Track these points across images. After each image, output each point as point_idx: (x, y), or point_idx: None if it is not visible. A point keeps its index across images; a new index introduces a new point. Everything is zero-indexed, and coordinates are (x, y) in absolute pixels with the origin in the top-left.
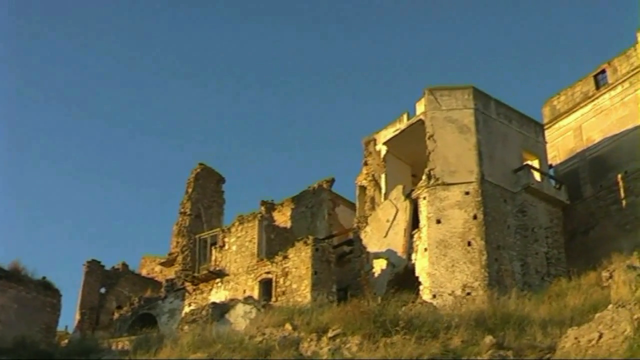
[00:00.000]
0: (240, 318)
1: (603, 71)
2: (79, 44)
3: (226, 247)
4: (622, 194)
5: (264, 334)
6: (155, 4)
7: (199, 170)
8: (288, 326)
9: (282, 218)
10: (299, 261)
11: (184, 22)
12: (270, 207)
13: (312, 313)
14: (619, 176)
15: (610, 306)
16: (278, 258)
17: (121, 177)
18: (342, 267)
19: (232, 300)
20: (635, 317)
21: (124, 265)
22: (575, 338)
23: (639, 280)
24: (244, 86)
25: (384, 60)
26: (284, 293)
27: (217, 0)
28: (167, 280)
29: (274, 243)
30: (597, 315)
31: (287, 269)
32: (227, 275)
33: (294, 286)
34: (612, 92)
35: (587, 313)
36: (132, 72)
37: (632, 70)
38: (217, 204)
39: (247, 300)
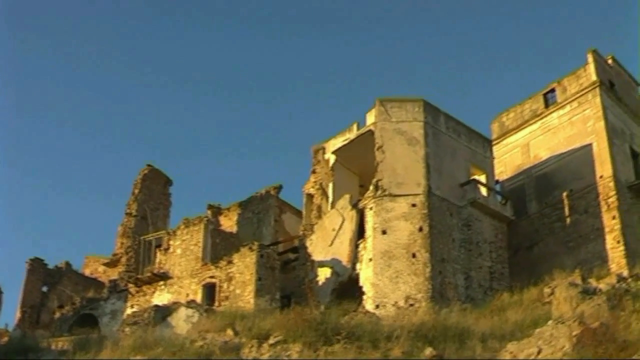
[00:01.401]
0: (182, 322)
1: (553, 90)
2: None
3: (171, 250)
4: (567, 212)
5: (205, 338)
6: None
7: (146, 171)
8: (229, 331)
9: (229, 223)
10: (243, 267)
11: (132, 23)
12: (216, 211)
13: (254, 319)
14: (564, 194)
15: (550, 322)
16: (223, 263)
17: (67, 175)
18: (287, 274)
19: (174, 303)
20: (574, 333)
21: (67, 264)
22: (514, 353)
23: (580, 297)
24: (194, 89)
25: (336, 69)
26: (227, 298)
27: (164, 5)
28: (110, 281)
29: (219, 247)
30: (537, 330)
31: (231, 274)
32: (171, 278)
33: (238, 291)
34: (561, 111)
35: (528, 328)
36: (78, 71)
37: (581, 90)
38: (163, 206)
39: (190, 304)
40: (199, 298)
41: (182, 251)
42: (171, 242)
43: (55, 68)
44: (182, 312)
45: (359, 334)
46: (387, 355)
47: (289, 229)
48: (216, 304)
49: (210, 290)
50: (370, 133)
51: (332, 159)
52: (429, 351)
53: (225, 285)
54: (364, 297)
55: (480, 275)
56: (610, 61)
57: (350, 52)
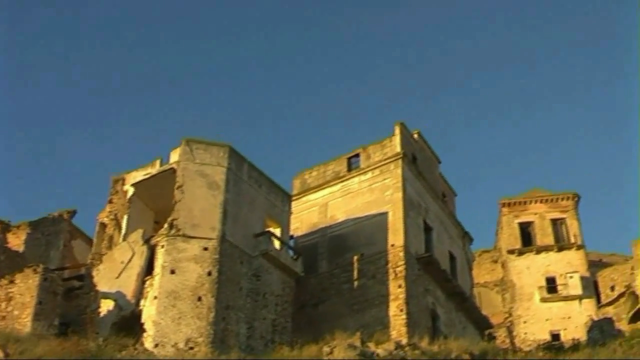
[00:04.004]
0: None
1: (357, 155)
2: None
3: None
4: (355, 275)
5: None
6: None
7: None
8: (0, 353)
9: (16, 241)
10: (25, 288)
11: None
12: (5, 227)
13: (29, 343)
14: (355, 258)
15: None
16: (4, 281)
17: None
18: (69, 302)
19: None
20: None
21: None
22: None
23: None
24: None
25: (148, 106)
26: (4, 318)
27: None
28: None
29: (3, 265)
30: None
31: (11, 294)
32: None
33: (16, 312)
34: (362, 177)
35: None
36: None
37: (385, 159)
38: None
39: None
40: None
41: None
42: None
43: None
44: None
45: None
46: None
47: (78, 256)
48: None
49: None
50: (172, 171)
51: (130, 191)
52: None
53: (3, 304)
54: (145, 334)
55: (263, 327)
56: (415, 136)
57: (166, 92)
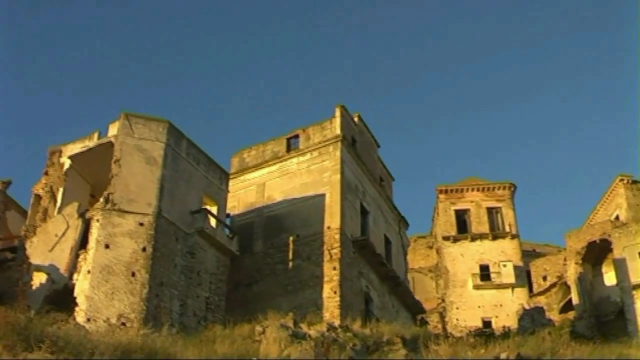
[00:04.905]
0: None
1: (297, 136)
2: None
3: None
4: (291, 256)
5: None
6: None
7: None
8: None
9: None
10: None
11: None
12: None
13: None
14: (291, 238)
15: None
16: None
17: None
18: (1, 273)
19: None
20: None
21: None
22: None
23: (289, 340)
24: None
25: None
26: None
27: None
28: None
29: None
30: None
31: None
32: None
33: None
34: (301, 158)
35: None
36: None
37: (324, 141)
38: None
39: None
40: None
41: None
42: None
43: None
44: None
45: (62, 344)
46: None
47: (12, 227)
48: None
49: None
50: (110, 145)
51: (67, 163)
52: None
53: None
54: (77, 308)
55: (196, 304)
56: (356, 119)
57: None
